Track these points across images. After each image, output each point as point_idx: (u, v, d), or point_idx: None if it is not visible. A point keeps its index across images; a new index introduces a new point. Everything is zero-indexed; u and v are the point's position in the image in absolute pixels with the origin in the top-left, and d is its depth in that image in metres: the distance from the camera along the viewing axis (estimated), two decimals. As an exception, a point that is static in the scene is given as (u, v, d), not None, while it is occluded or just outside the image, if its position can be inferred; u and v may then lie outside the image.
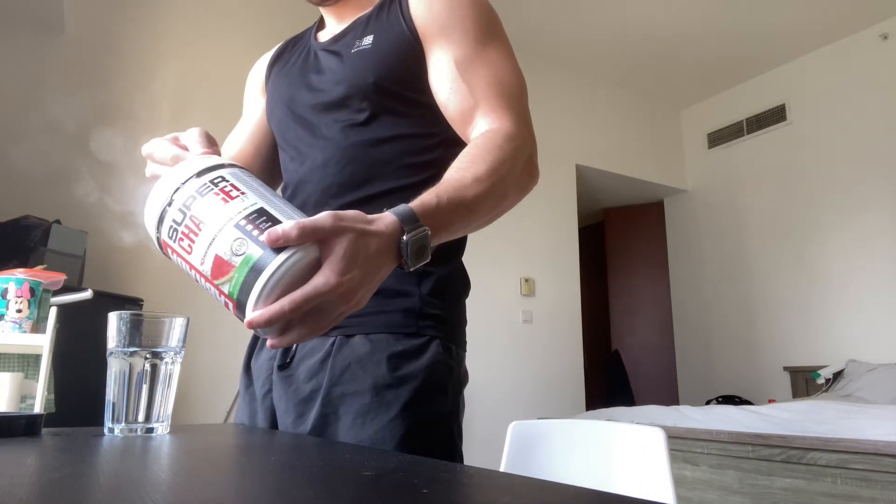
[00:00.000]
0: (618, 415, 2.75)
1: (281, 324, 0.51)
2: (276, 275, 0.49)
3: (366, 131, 0.83)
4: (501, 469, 1.03)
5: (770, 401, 3.87)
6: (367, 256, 0.54)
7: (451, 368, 0.79)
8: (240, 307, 0.51)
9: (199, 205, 0.54)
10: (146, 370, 0.67)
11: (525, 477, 0.42)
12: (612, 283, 5.28)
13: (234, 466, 0.52)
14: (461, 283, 0.87)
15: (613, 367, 4.98)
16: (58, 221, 2.27)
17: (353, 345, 0.77)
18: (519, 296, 3.97)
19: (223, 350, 2.71)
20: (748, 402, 4.09)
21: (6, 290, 1.51)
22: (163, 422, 0.68)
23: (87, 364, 1.44)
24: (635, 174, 4.77)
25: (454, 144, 0.83)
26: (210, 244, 0.52)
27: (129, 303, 2.19)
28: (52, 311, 1.53)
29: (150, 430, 0.67)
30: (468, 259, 0.90)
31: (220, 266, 0.51)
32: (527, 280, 4.01)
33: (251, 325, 0.50)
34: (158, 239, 0.57)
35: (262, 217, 0.52)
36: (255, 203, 0.54)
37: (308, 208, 0.85)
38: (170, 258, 0.58)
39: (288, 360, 0.82)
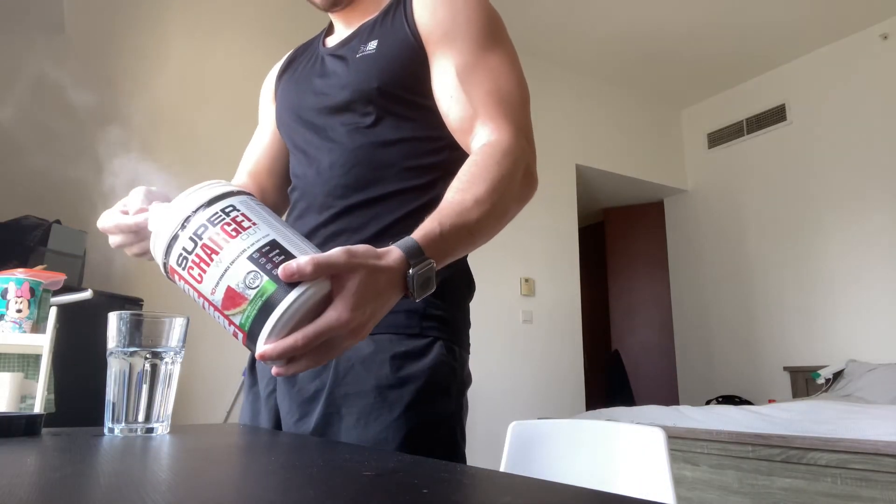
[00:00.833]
0: (618, 415, 2.75)
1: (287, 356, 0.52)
2: (291, 310, 0.50)
3: (371, 134, 0.84)
4: (501, 469, 1.03)
5: (770, 401, 3.87)
6: (377, 292, 0.55)
7: (453, 370, 0.79)
8: (251, 338, 0.51)
9: (210, 234, 0.54)
10: (146, 370, 0.67)
11: (525, 477, 0.42)
12: (612, 283, 5.28)
13: (235, 466, 0.52)
14: (465, 286, 0.87)
15: (613, 367, 4.98)
16: (58, 221, 2.27)
17: (356, 345, 0.77)
18: (519, 296, 3.97)
19: (223, 350, 2.72)
20: (748, 402, 4.09)
21: (6, 290, 1.51)
22: (163, 422, 0.68)
23: (87, 364, 1.44)
24: (635, 174, 4.77)
25: (458, 148, 0.83)
26: (222, 276, 0.52)
27: (129, 303, 2.19)
28: (52, 311, 1.53)
29: (150, 430, 0.67)
30: (468, 259, 0.90)
31: (233, 298, 0.51)
32: (527, 280, 4.01)
33: (263, 358, 0.50)
34: (166, 265, 0.57)
35: (275, 250, 0.53)
36: (268, 235, 0.54)
37: (313, 210, 0.86)
38: (175, 283, 0.57)
39: None
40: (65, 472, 0.42)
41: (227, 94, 3.08)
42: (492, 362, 3.69)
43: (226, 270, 0.52)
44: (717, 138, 4.90)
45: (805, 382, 4.03)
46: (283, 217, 0.96)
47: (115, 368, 0.67)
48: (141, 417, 0.66)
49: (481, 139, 0.78)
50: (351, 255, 0.53)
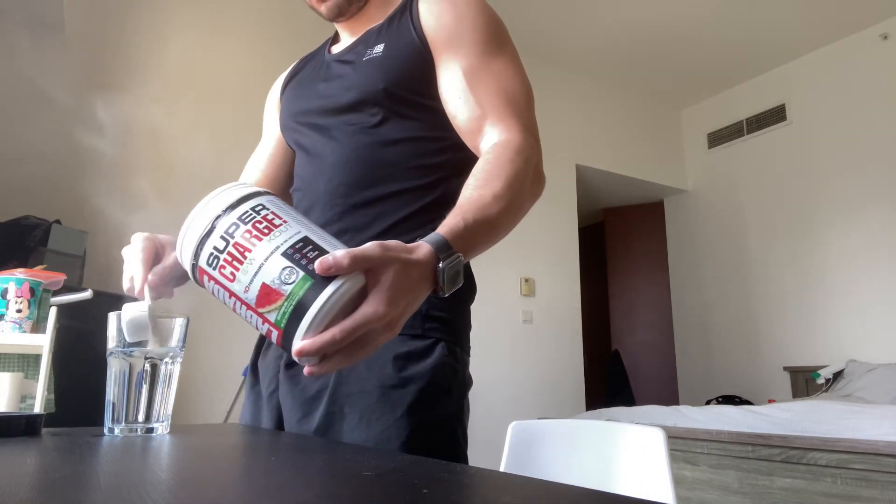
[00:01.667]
0: (618, 415, 2.75)
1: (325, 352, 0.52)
2: (329, 304, 0.50)
3: (376, 133, 0.85)
4: (501, 469, 1.03)
5: (770, 401, 3.87)
6: (411, 286, 0.55)
7: (455, 370, 0.80)
8: (286, 335, 0.51)
9: (242, 232, 0.54)
10: (146, 370, 0.67)
11: (525, 477, 0.42)
12: (612, 283, 5.28)
13: (234, 467, 0.52)
14: (467, 288, 0.88)
15: (613, 367, 4.98)
16: (58, 221, 2.27)
17: None
18: (519, 296, 3.97)
19: (223, 350, 2.72)
20: (748, 402, 4.09)
21: (6, 290, 1.51)
22: (163, 422, 0.68)
23: (87, 364, 1.44)
24: (635, 174, 4.77)
25: (462, 149, 0.85)
26: (256, 273, 0.52)
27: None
28: (52, 311, 1.53)
29: (150, 430, 0.67)
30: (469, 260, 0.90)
31: (268, 294, 0.51)
32: (527, 280, 4.01)
33: (300, 354, 0.50)
34: (194, 267, 0.57)
35: (309, 246, 0.53)
36: (299, 231, 0.54)
37: (317, 208, 0.86)
38: (204, 286, 0.57)
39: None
40: (65, 472, 0.42)
41: (227, 94, 3.08)
42: (492, 362, 3.69)
43: (260, 267, 0.52)
44: (717, 138, 4.90)
45: (805, 382, 4.03)
46: None
47: (115, 368, 0.67)
48: (141, 417, 0.66)
49: (492, 139, 0.79)
50: (385, 248, 0.54)
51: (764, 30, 4.10)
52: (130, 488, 0.35)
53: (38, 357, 1.61)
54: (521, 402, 3.77)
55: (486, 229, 0.67)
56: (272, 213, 0.56)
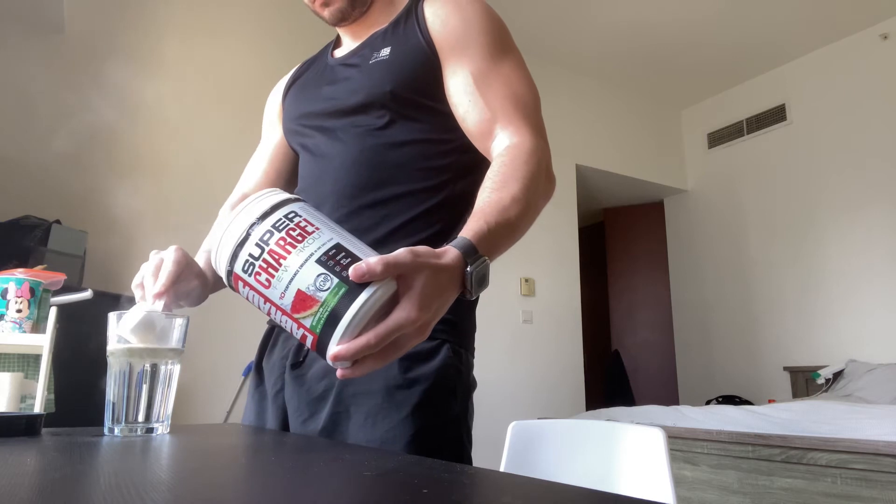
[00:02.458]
0: (618, 415, 2.75)
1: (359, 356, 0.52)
2: (364, 310, 0.50)
3: (383, 135, 0.86)
4: (501, 469, 1.03)
5: (770, 401, 3.87)
6: (440, 290, 0.56)
7: (460, 372, 0.80)
8: (321, 340, 0.52)
9: (276, 240, 0.55)
10: (146, 370, 0.67)
11: (525, 477, 0.42)
12: (612, 283, 5.28)
13: (235, 466, 0.52)
14: None
15: (613, 367, 4.98)
16: (58, 221, 2.27)
17: None
18: (519, 296, 3.97)
19: (223, 350, 2.71)
20: (748, 402, 4.09)
21: (6, 290, 1.51)
22: (163, 422, 0.68)
23: (87, 364, 1.44)
24: (635, 174, 4.76)
25: (467, 151, 0.86)
26: (292, 279, 0.53)
27: (129, 303, 2.19)
28: (52, 311, 1.53)
29: (150, 430, 0.67)
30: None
31: (303, 301, 0.52)
32: (527, 280, 4.01)
33: (336, 359, 0.51)
34: (230, 273, 0.58)
35: (341, 253, 0.54)
36: (332, 238, 0.55)
37: (323, 210, 0.87)
38: (238, 292, 0.58)
39: (301, 359, 0.84)
40: (65, 472, 0.42)
41: (227, 93, 3.08)
42: (492, 362, 3.69)
43: (295, 274, 0.53)
44: (717, 138, 4.90)
45: (805, 382, 4.03)
46: None
47: (115, 368, 0.67)
48: (141, 417, 0.66)
49: (503, 141, 0.80)
50: (416, 255, 0.55)
51: (764, 30, 4.10)
52: (130, 488, 0.35)
53: (38, 357, 1.61)
54: (520, 402, 3.77)
55: (506, 231, 0.68)
56: (305, 220, 0.57)
